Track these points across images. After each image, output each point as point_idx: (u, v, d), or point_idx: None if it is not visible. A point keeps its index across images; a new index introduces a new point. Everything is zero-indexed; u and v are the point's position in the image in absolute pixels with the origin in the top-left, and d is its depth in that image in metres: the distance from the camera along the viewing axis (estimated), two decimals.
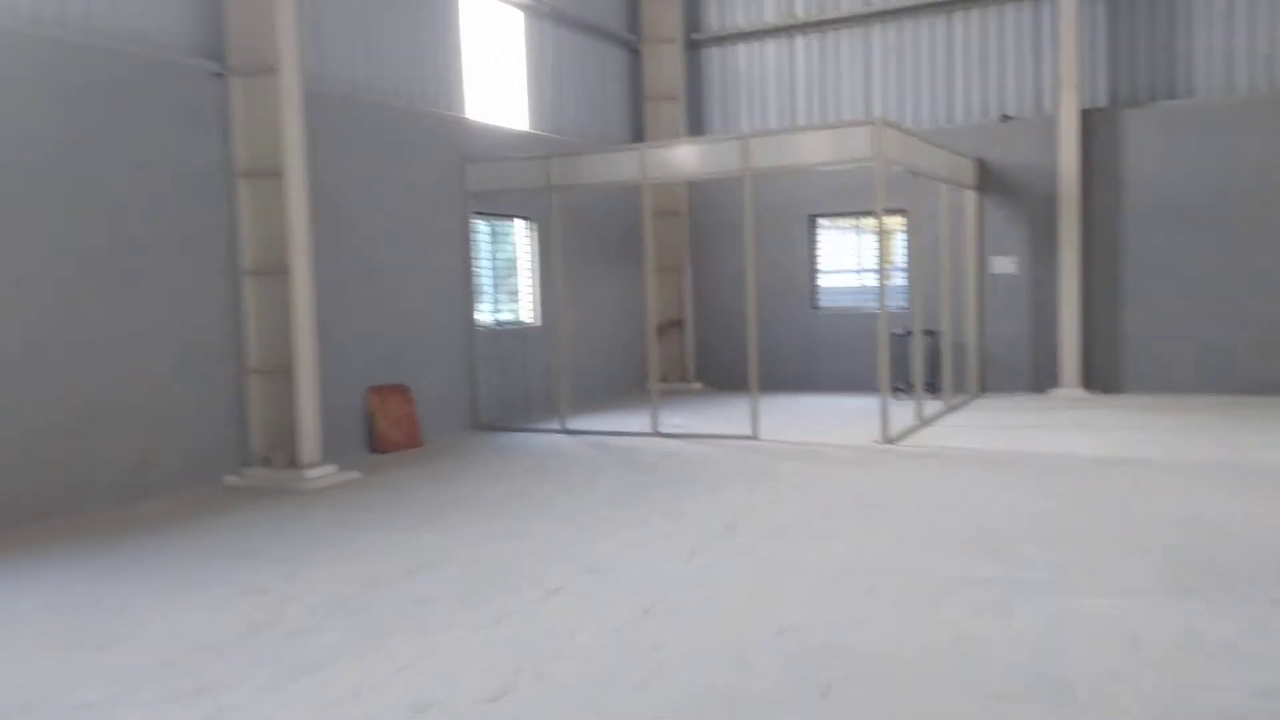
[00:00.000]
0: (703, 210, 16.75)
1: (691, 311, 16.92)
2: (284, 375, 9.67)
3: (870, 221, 15.59)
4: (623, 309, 16.20)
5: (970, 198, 14.57)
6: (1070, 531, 6.81)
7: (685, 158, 11.60)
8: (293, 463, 9.65)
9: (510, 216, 13.79)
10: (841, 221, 15.95)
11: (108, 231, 8.69)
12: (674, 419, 12.85)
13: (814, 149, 10.93)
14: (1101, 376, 14.20)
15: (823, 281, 16.14)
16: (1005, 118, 14.64)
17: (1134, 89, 14.11)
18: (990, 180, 14.68)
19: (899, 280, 15.58)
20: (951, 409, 13.16)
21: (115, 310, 8.75)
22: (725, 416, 13.10)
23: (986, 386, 14.88)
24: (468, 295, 12.82)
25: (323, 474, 9.61)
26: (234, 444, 9.79)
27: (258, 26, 9.42)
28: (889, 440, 10.73)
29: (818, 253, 16.06)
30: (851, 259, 16.03)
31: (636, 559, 6.54)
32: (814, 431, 11.77)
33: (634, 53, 16.85)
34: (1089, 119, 14.06)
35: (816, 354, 15.92)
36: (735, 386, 16.39)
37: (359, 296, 11.21)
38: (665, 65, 16.66)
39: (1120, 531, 6.78)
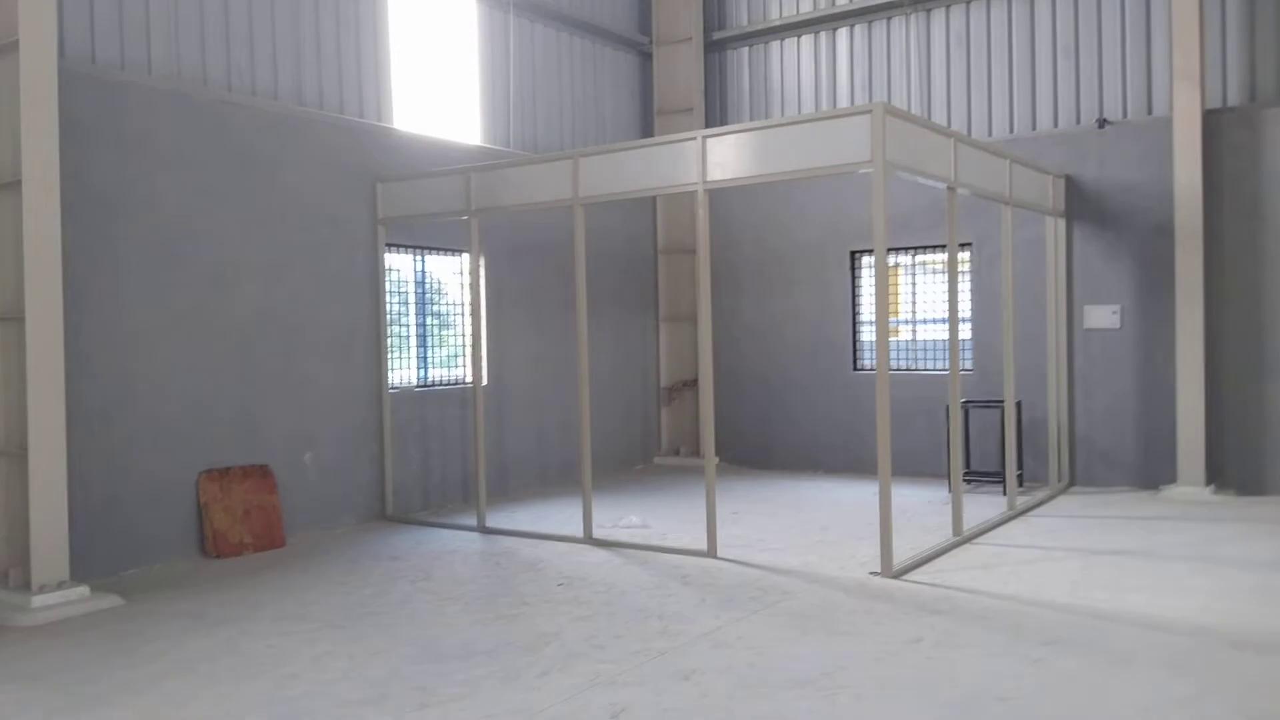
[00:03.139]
0: (721, 247, 13.59)
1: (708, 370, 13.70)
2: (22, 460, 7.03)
3: (932, 258, 12.23)
4: (620, 367, 13.18)
5: (1054, 226, 11.01)
6: None
7: (635, 169, 8.54)
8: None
9: (451, 250, 10.99)
10: (892, 258, 12.55)
11: None
12: (630, 517, 9.70)
13: (789, 151, 7.73)
14: (1235, 471, 10.36)
15: (866, 335, 12.75)
16: (1103, 122, 11.05)
17: (1277, 80, 10.38)
18: (1082, 204, 11.10)
19: (963, 334, 12.08)
20: (1015, 514, 9.59)
21: None
22: (701, 512, 9.87)
23: (1076, 478, 11.18)
24: (377, 349, 10.03)
25: (60, 600, 6.89)
26: None
27: None
28: (892, 573, 7.34)
29: (860, 298, 12.70)
30: (905, 306, 12.60)
31: None
32: (801, 546, 8.46)
33: (644, 55, 13.95)
34: (1215, 122, 10.38)
35: (858, 426, 12.49)
36: (758, 463, 13.15)
37: (199, 351, 8.55)
38: (681, 68, 13.69)
39: None
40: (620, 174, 8.55)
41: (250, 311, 8.98)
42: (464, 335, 11.24)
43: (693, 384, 13.77)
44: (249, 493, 8.82)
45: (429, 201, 9.71)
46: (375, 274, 10.03)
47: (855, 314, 12.67)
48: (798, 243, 12.91)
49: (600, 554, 8.36)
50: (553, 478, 11.95)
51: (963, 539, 8.46)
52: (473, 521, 9.60)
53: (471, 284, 9.63)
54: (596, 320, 12.60)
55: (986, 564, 7.69)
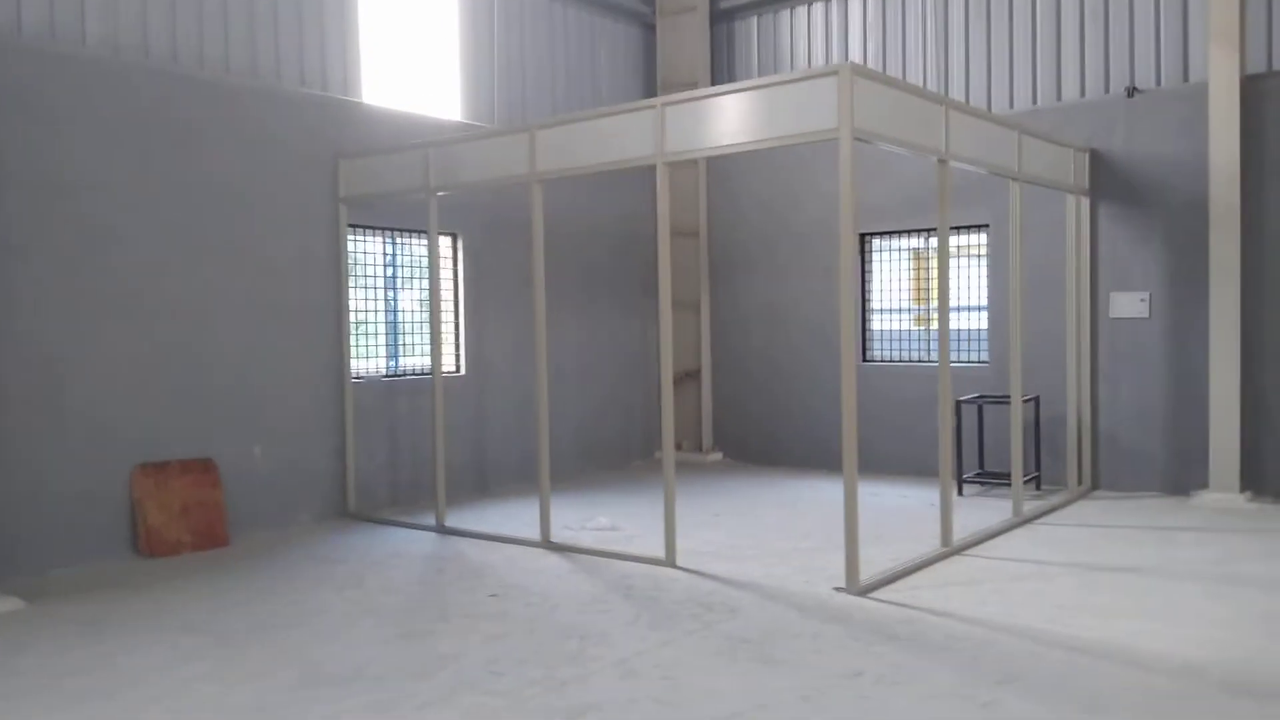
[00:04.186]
0: (727, 226, 12.85)
1: (710, 360, 13.00)
2: None
3: (955, 241, 11.34)
4: (618, 356, 12.51)
5: (1077, 205, 10.07)
6: None
7: (593, 141, 7.83)
8: None
9: (422, 232, 10.38)
10: (904, 241, 11.69)
11: None
12: (599, 519, 9.05)
13: (752, 119, 6.96)
14: (1275, 477, 9.36)
15: (876, 324, 11.90)
16: (1132, 90, 10.06)
17: None
18: (1109, 180, 10.12)
19: (978, 323, 11.19)
20: (1020, 521, 8.74)
21: None
22: (686, 515, 9.17)
23: (1099, 481, 10.25)
24: (338, 335, 9.49)
25: None
26: None
27: None
28: (859, 590, 6.58)
29: (870, 284, 11.85)
30: (924, 293, 11.71)
31: None
32: (774, 555, 7.73)
33: (647, 26, 13.20)
34: (1256, 89, 9.35)
35: (867, 422, 11.64)
36: (763, 460, 12.40)
37: (137, 337, 8.08)
38: (686, 40, 12.93)
39: None
40: (578, 147, 7.86)
41: (195, 295, 8.48)
42: (445, 322, 10.66)
43: (695, 374, 13.04)
44: (189, 488, 8.33)
45: (389, 179, 9.12)
46: (337, 256, 9.47)
47: (865, 300, 11.82)
48: (807, 223, 12.09)
49: (552, 560, 7.72)
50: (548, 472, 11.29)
51: (952, 550, 7.64)
52: (435, 521, 9.02)
53: (430, 267, 9.00)
54: (592, 307, 12.00)
55: (970, 580, 6.89)
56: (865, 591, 6.58)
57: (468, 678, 5.16)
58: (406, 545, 8.34)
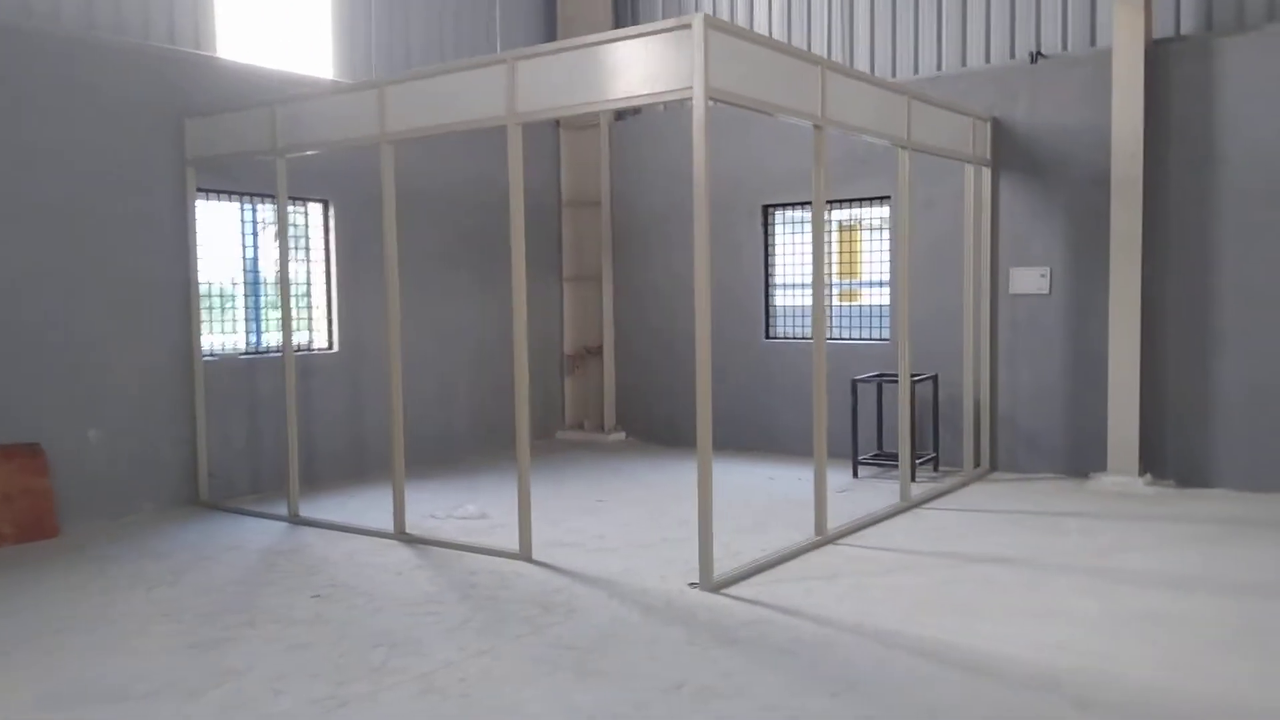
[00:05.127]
0: (630, 196, 12.28)
1: (613, 336, 12.45)
2: None
3: (849, 214, 10.92)
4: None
5: (977, 176, 9.63)
6: None
7: (444, 99, 7.18)
8: None
9: (298, 199, 9.71)
10: (807, 213, 11.18)
11: None
12: (467, 506, 8.50)
13: (607, 77, 6.38)
14: (1177, 459, 9.03)
15: (780, 299, 11.41)
16: (1035, 56, 9.61)
17: (1237, 5, 8.90)
18: (1011, 151, 9.69)
19: (880, 299, 10.76)
20: (907, 506, 8.32)
21: None
22: (569, 500, 8.66)
23: (998, 462, 9.88)
24: (187, 310, 8.80)
25: None
26: None
27: None
28: (712, 585, 6.10)
29: (773, 259, 11.35)
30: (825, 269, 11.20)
31: None
32: (641, 546, 7.23)
33: None
34: (1163, 54, 8.94)
35: (771, 401, 11.21)
36: (666, 440, 11.91)
37: None
38: None
39: None
40: (430, 105, 7.22)
41: (19, 267, 7.76)
42: (317, 295, 10.02)
43: (597, 351, 12.50)
44: (12, 475, 7.64)
45: (237, 140, 8.42)
46: (184, 223, 8.76)
47: (768, 275, 11.33)
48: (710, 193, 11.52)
49: (401, 554, 7.15)
50: (427, 456, 10.72)
51: (825, 539, 7.19)
52: (288, 511, 8.40)
53: (280, 236, 8.33)
54: (489, 281, 11.37)
55: (834, 573, 6.43)
56: (720, 588, 6.10)
57: (244, 697, 4.59)
58: (250, 537, 7.72)
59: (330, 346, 10.05)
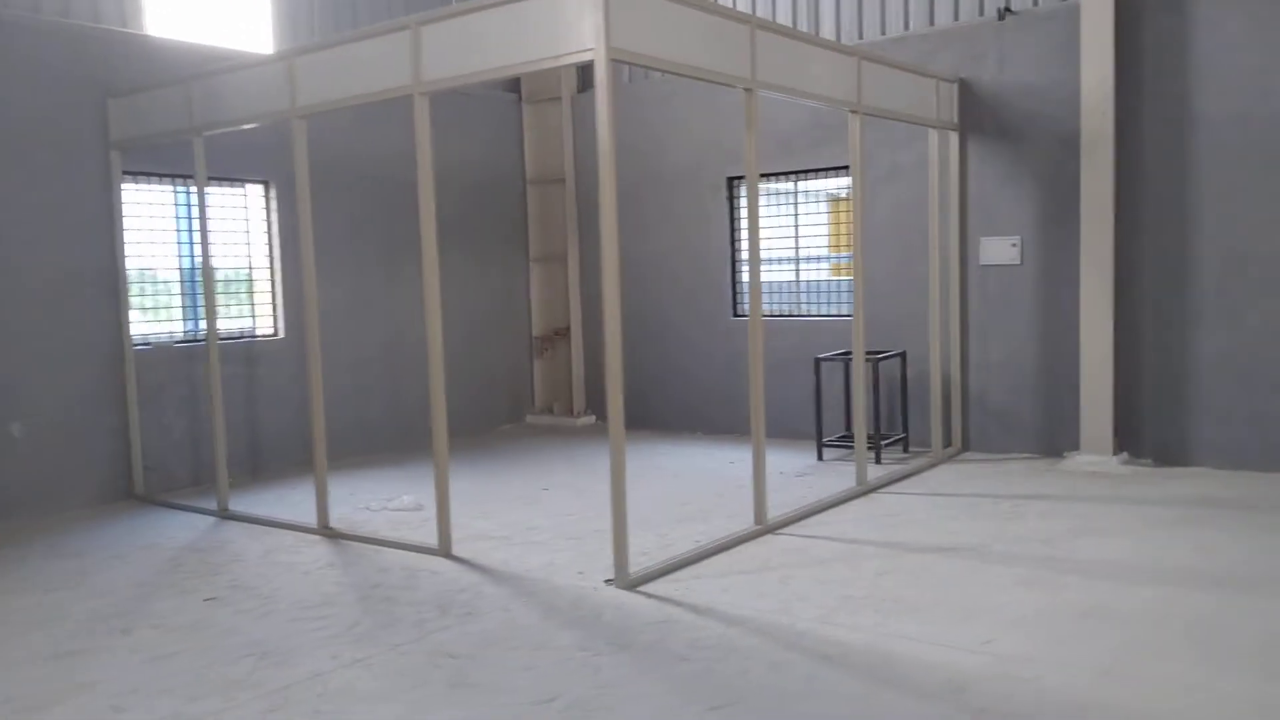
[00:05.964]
0: (593, 174, 11.80)
1: (581, 316, 12.06)
2: None
3: (820, 184, 10.47)
4: (484, 314, 11.58)
5: (942, 142, 9.13)
6: None
7: (350, 70, 6.78)
8: None
9: (237, 180, 9.36)
10: (777, 185, 10.71)
11: None
12: (403, 498, 8.15)
13: (512, 41, 5.95)
14: (1154, 436, 8.54)
15: (748, 275, 10.93)
16: (1004, 12, 9.08)
17: None
18: (979, 114, 9.18)
19: (838, 273, 10.29)
20: (863, 490, 7.90)
21: None
22: (515, 489, 8.31)
23: (969, 442, 9.42)
24: (116, 298, 8.49)
25: None
26: None
27: None
28: (628, 582, 5.72)
29: (739, 232, 10.90)
30: (788, 242, 10.75)
31: None
32: (569, 539, 6.86)
33: None
34: (1134, 6, 8.39)
35: (738, 382, 10.76)
36: (637, 422, 11.44)
37: None
38: None
39: None
40: (339, 77, 6.83)
41: None
42: (262, 281, 9.69)
43: (565, 332, 12.11)
44: None
45: (157, 120, 8.07)
46: (110, 208, 8.44)
47: (735, 250, 10.89)
48: (675, 166, 11.12)
49: (318, 550, 6.83)
50: (382, 444, 10.40)
51: (765, 529, 6.80)
52: (217, 505, 8.10)
53: (200, 219, 7.98)
54: (456, 261, 10.98)
55: (762, 566, 6.04)
56: (636, 585, 5.72)
57: (84, 714, 4.27)
58: (173, 533, 7.42)
59: (275, 333, 9.71)
